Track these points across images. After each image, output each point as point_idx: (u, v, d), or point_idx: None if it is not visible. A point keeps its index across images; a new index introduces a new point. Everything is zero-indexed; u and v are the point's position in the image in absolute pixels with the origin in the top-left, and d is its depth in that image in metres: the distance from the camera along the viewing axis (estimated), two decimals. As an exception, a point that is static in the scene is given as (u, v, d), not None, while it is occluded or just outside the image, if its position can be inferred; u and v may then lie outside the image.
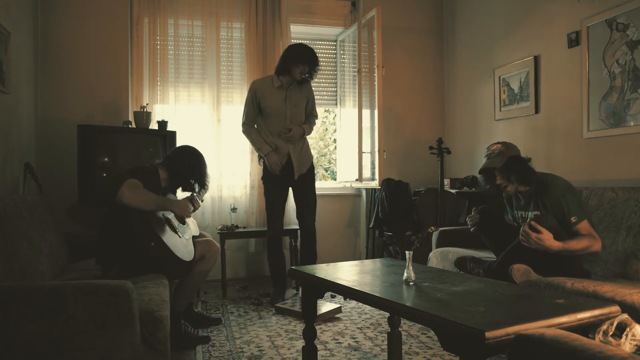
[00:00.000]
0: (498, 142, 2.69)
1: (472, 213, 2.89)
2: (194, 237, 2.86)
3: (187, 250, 2.67)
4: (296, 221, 3.83)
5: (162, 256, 2.47)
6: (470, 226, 2.87)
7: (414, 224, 4.25)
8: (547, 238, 2.33)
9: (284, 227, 3.99)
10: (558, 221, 2.43)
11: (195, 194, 2.81)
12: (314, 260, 3.69)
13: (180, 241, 2.65)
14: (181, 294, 2.78)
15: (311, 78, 3.63)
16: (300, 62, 3.46)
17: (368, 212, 4.75)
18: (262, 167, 3.73)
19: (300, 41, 3.84)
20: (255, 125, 3.68)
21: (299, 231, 3.81)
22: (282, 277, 3.69)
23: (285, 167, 3.60)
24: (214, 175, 4.36)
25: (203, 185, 2.84)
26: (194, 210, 2.79)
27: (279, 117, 3.57)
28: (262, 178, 3.72)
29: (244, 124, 3.67)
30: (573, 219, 2.43)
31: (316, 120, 3.82)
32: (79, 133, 3.42)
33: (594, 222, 2.58)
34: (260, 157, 3.68)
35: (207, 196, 4.33)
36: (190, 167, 2.78)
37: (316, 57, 3.54)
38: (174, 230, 2.65)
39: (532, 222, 2.37)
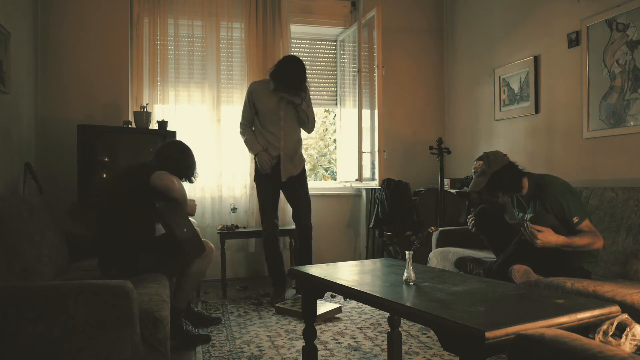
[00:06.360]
0: (480, 158, 2.69)
1: (471, 213, 2.91)
2: None
3: None
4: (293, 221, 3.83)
5: (191, 238, 2.62)
6: (471, 227, 2.89)
7: (414, 224, 4.25)
8: (550, 233, 2.34)
9: (283, 228, 3.99)
10: (559, 221, 2.43)
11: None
12: (309, 256, 3.69)
13: None
14: (180, 291, 2.78)
15: (299, 91, 3.55)
16: (285, 84, 3.47)
17: (368, 212, 4.75)
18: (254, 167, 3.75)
19: (300, 41, 3.82)
20: (253, 128, 3.70)
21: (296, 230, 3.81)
22: (281, 277, 3.69)
23: (276, 167, 3.63)
24: (214, 175, 4.36)
25: (190, 178, 2.84)
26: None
27: (273, 117, 3.60)
28: (255, 178, 3.75)
29: (241, 124, 3.72)
30: (575, 219, 2.43)
31: (315, 119, 3.74)
32: (79, 133, 3.42)
33: (594, 222, 2.59)
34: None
35: (207, 196, 4.34)
36: (178, 159, 2.77)
37: (302, 79, 3.49)
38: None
39: (531, 225, 2.36)
